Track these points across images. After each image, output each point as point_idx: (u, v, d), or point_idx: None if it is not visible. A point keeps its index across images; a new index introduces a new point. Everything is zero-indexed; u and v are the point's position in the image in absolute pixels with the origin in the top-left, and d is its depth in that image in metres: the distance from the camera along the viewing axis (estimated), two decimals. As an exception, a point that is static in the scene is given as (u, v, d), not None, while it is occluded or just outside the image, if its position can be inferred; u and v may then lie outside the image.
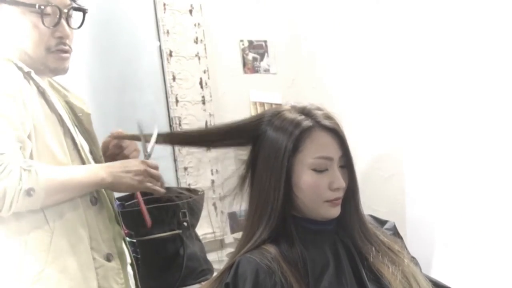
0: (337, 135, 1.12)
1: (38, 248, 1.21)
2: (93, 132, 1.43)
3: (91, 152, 1.40)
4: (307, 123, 1.10)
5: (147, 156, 1.42)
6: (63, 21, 1.30)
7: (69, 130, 1.30)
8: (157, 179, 1.36)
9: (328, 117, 1.13)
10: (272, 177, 1.10)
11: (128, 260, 1.43)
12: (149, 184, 1.34)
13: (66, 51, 1.32)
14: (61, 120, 1.30)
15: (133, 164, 1.34)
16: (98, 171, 1.29)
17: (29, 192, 1.14)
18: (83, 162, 1.33)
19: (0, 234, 1.20)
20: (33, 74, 1.26)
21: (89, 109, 1.44)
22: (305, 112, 1.13)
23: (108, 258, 1.33)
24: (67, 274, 1.24)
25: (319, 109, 1.14)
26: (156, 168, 1.37)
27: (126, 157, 1.51)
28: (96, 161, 1.40)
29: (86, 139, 1.40)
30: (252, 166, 1.16)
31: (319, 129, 1.11)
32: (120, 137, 1.51)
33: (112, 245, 1.35)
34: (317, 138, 1.10)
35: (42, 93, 1.28)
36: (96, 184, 1.28)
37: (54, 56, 1.30)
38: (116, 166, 1.32)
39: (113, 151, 1.51)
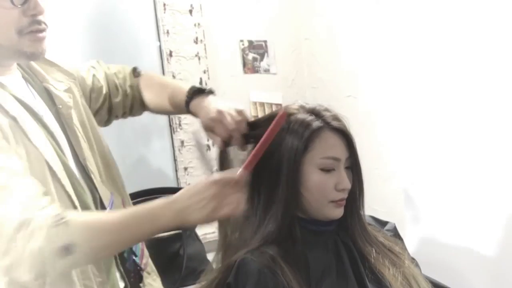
0: (345, 136, 1.13)
1: None
2: (74, 129, 1.22)
3: (74, 156, 1.21)
4: (317, 123, 1.12)
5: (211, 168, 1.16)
6: None
7: (55, 172, 1.10)
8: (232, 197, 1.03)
9: (337, 118, 1.15)
10: (282, 177, 1.11)
11: (122, 285, 1.26)
12: (226, 210, 1.02)
13: (42, 30, 1.10)
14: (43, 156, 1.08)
15: (200, 190, 1.02)
16: (159, 213, 1.02)
17: (67, 249, 0.94)
18: (74, 206, 1.11)
19: None
20: (0, 100, 1.05)
21: (70, 100, 1.23)
22: (315, 112, 1.15)
23: None
24: None
25: (327, 110, 1.16)
26: (234, 182, 1.03)
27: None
28: (79, 165, 1.21)
29: (66, 137, 1.20)
30: (258, 167, 1.15)
31: (328, 130, 1.12)
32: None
33: (107, 287, 1.17)
34: (326, 139, 1.12)
35: (14, 120, 1.05)
36: (161, 225, 1.02)
37: (29, 37, 1.08)
38: (181, 200, 1.03)
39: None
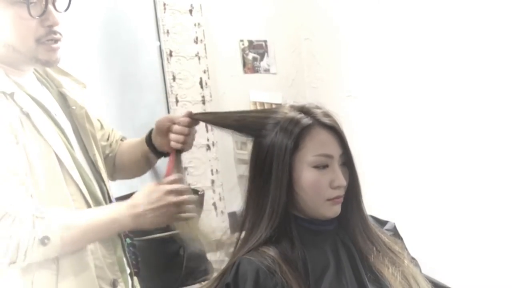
0: (337, 133, 1.12)
1: (45, 287, 1.16)
2: (85, 127, 1.35)
3: (84, 152, 1.32)
4: (306, 120, 1.11)
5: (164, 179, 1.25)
6: (51, 7, 1.19)
7: (63, 163, 1.20)
8: (186, 203, 1.22)
9: (327, 115, 1.13)
10: (274, 176, 1.10)
11: (128, 270, 1.37)
12: (181, 215, 1.22)
13: (57, 40, 1.22)
14: (53, 149, 1.19)
15: (158, 198, 1.19)
16: (121, 214, 1.19)
17: (43, 241, 1.09)
18: (84, 198, 1.24)
19: (6, 274, 1.14)
20: (15, 97, 1.16)
21: (85, 101, 1.37)
22: (304, 110, 1.14)
23: (114, 284, 1.27)
24: None
25: (317, 107, 1.15)
26: (182, 193, 1.22)
27: (186, 147, 1.36)
28: (88, 160, 1.32)
29: (77, 136, 1.32)
30: (252, 165, 1.16)
31: (319, 127, 1.11)
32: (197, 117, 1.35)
33: (116, 268, 1.29)
34: (317, 136, 1.10)
35: (27, 116, 1.17)
36: (120, 228, 1.22)
37: (45, 47, 1.20)
38: (139, 205, 1.19)
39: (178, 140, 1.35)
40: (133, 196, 1.23)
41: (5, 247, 1.08)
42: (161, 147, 1.41)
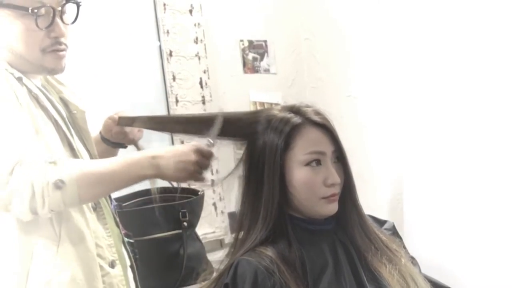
0: (328, 130, 1.12)
1: (45, 259, 1.17)
2: (87, 130, 1.40)
3: (86, 151, 1.37)
4: (296, 120, 1.12)
5: (210, 145, 1.22)
6: (58, 20, 1.25)
7: (65, 135, 1.26)
8: (205, 169, 1.23)
9: (318, 113, 1.14)
10: (266, 176, 1.10)
11: (128, 262, 1.40)
12: (199, 176, 1.22)
13: (62, 50, 1.28)
14: (57, 126, 1.25)
15: (184, 152, 1.20)
16: (142, 164, 1.18)
17: (57, 184, 1.08)
18: None
19: (6, 246, 1.16)
20: (24, 80, 1.22)
21: (84, 106, 1.41)
22: (294, 110, 1.15)
23: (112, 265, 1.28)
24: (74, 284, 1.19)
25: (308, 106, 1.16)
26: (209, 157, 1.22)
27: (131, 141, 1.52)
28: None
29: (79, 138, 1.37)
30: (246, 166, 1.16)
31: (309, 125, 1.12)
32: (122, 124, 1.48)
33: (114, 250, 1.31)
34: (307, 134, 1.11)
35: (36, 98, 1.23)
36: (139, 177, 1.19)
37: (51, 55, 1.26)
38: (164, 157, 1.18)
39: (117, 137, 1.49)
40: (156, 150, 1.23)
41: (21, 195, 1.08)
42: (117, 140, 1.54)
